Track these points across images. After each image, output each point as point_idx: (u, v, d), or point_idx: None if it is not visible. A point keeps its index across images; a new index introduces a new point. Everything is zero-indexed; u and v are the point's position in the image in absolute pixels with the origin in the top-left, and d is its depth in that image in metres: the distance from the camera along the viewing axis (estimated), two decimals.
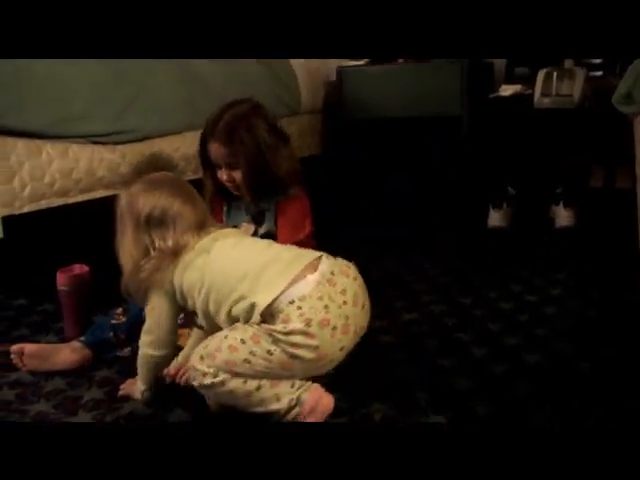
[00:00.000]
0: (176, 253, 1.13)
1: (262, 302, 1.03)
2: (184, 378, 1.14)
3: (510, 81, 2.57)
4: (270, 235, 1.50)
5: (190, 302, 1.14)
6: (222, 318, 1.09)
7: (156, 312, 1.16)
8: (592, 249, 2.08)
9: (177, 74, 1.90)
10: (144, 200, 1.16)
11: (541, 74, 2.31)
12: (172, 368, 1.20)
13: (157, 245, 1.14)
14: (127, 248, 1.16)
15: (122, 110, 1.70)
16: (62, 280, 1.46)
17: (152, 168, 1.79)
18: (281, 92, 2.35)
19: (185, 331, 1.46)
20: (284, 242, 1.42)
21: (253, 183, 1.46)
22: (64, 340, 1.44)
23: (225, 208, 1.59)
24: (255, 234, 1.51)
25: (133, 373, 1.31)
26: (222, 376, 1.03)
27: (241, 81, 2.11)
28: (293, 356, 1.02)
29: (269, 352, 1.02)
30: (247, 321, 1.06)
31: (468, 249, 2.19)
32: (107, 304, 1.46)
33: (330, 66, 2.68)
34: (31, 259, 1.80)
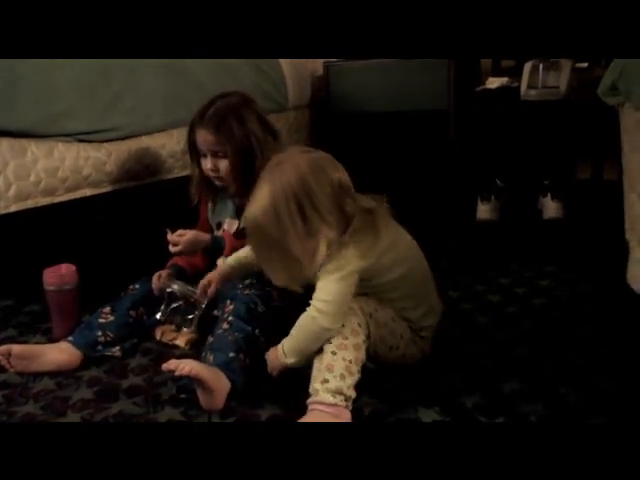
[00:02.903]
0: (374, 223, 1.12)
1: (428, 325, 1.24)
2: (187, 368, 1.10)
3: (496, 73, 2.58)
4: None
5: (376, 280, 1.16)
6: (391, 304, 1.19)
7: (346, 284, 1.10)
8: (580, 240, 2.09)
9: (163, 71, 1.89)
10: (332, 169, 1.11)
11: (527, 66, 2.31)
12: (171, 362, 1.12)
13: (352, 211, 1.10)
14: (325, 221, 1.07)
15: (107, 108, 1.69)
16: (49, 280, 1.45)
17: (139, 165, 1.79)
18: (268, 88, 2.34)
19: (167, 328, 1.46)
20: None
21: (239, 174, 1.45)
22: (52, 340, 1.43)
23: (210, 205, 1.58)
24: (237, 230, 1.51)
25: (122, 372, 1.31)
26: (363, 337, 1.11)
27: (227, 77, 2.10)
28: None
29: (409, 338, 1.21)
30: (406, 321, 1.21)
31: (457, 242, 2.20)
32: (95, 303, 1.45)
33: (317, 61, 2.68)
34: (17, 259, 1.79)
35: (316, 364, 1.09)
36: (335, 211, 1.08)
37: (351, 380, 1.06)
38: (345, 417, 1.05)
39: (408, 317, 1.21)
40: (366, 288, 1.16)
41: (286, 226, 1.06)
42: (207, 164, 1.46)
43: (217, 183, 1.50)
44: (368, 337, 1.12)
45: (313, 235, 1.07)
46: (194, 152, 1.50)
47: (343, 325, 1.09)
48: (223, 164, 1.45)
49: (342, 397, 1.04)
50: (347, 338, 1.09)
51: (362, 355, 1.10)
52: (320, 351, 1.09)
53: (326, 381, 1.05)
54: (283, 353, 1.14)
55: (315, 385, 1.06)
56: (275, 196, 1.06)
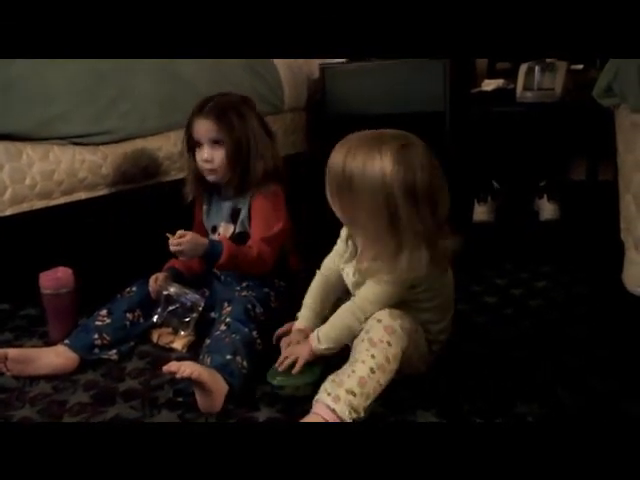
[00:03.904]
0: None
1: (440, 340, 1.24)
2: (188, 371, 1.10)
3: (492, 76, 2.59)
4: (243, 234, 1.49)
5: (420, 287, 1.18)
6: (420, 313, 1.19)
7: (399, 287, 1.14)
8: (576, 241, 2.10)
9: (158, 74, 1.88)
10: (423, 168, 1.09)
11: (523, 68, 2.32)
12: (172, 364, 1.13)
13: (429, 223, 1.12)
14: (409, 220, 1.08)
15: (103, 110, 1.69)
16: (45, 283, 1.44)
17: (136, 168, 1.79)
18: (264, 90, 2.34)
19: (164, 330, 1.46)
20: (257, 237, 1.43)
21: (233, 167, 1.44)
22: (48, 344, 1.42)
23: (205, 207, 1.58)
24: (232, 234, 1.50)
25: (119, 376, 1.31)
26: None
27: (223, 80, 2.10)
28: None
29: (424, 353, 1.20)
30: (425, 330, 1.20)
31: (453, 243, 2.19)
32: (91, 306, 1.45)
33: (313, 64, 2.68)
34: (13, 263, 1.78)
35: (349, 366, 1.07)
36: (432, 231, 1.15)
37: (370, 401, 1.05)
38: None
39: (429, 330, 1.21)
40: (410, 295, 1.17)
41: (394, 202, 1.06)
42: (203, 154, 1.44)
43: (210, 177, 1.48)
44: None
45: (414, 227, 1.09)
46: (190, 146, 1.49)
47: (390, 344, 1.08)
48: (218, 155, 1.43)
49: (356, 416, 1.03)
50: (390, 362, 1.07)
51: (390, 379, 1.09)
52: (358, 355, 1.08)
53: (352, 394, 1.03)
54: (317, 338, 1.16)
55: (339, 390, 1.03)
56: (399, 165, 1.06)
